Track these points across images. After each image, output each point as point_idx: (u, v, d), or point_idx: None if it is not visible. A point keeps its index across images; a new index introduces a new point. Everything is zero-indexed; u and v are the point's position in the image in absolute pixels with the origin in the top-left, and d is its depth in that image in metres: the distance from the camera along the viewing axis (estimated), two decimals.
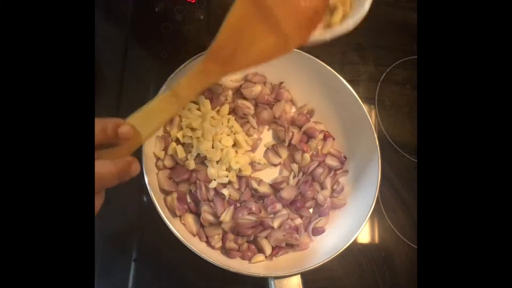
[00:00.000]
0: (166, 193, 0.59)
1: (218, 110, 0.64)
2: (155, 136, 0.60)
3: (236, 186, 0.61)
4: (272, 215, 0.61)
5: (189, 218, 0.58)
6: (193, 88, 0.41)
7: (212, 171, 0.59)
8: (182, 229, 0.58)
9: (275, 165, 0.66)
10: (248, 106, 0.66)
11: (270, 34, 0.42)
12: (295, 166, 0.65)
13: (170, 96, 0.40)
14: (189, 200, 0.58)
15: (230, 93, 0.66)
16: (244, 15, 0.41)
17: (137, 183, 0.54)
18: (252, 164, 0.63)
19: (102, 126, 0.36)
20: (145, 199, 0.62)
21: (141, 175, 0.53)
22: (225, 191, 0.59)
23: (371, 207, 0.57)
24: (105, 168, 0.36)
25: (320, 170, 0.65)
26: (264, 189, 0.62)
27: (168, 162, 0.60)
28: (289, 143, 0.66)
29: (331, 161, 0.66)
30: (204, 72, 0.41)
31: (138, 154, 0.54)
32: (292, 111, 0.70)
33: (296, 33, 0.43)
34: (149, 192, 0.53)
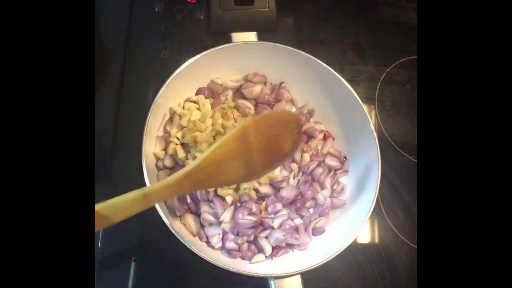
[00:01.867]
0: None
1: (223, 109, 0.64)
2: (155, 136, 0.60)
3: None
4: (272, 215, 0.61)
5: (189, 218, 0.58)
6: (163, 197, 0.47)
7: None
8: (182, 229, 0.58)
9: None
10: (248, 106, 0.66)
11: (243, 168, 0.49)
12: (294, 166, 0.65)
13: (140, 197, 0.43)
14: (189, 200, 0.58)
15: (230, 93, 0.66)
16: (231, 149, 0.47)
17: (137, 183, 0.54)
18: None
19: None
20: None
21: (141, 175, 0.53)
22: (229, 198, 0.59)
23: (371, 207, 0.57)
24: None
25: (320, 170, 0.65)
26: (265, 189, 0.62)
27: (168, 162, 0.60)
28: None
29: (331, 161, 0.66)
30: (178, 185, 0.45)
31: (138, 154, 0.54)
32: (292, 111, 0.70)
33: (263, 172, 0.53)
34: None
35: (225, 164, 0.48)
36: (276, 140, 0.52)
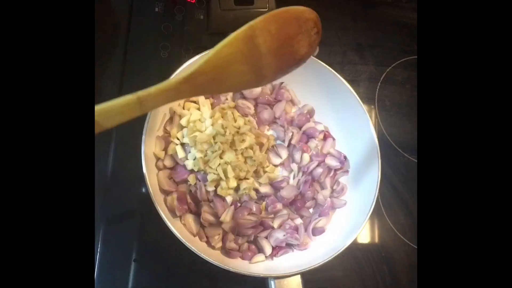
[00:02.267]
0: (166, 193, 0.59)
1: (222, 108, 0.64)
2: (155, 136, 0.60)
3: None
4: (272, 215, 0.61)
5: (189, 218, 0.58)
6: (160, 101, 0.42)
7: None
8: (182, 229, 0.57)
9: (275, 166, 0.66)
10: (248, 106, 0.66)
11: (250, 73, 0.44)
12: (294, 166, 0.65)
13: (135, 102, 0.40)
14: (189, 200, 0.58)
15: (230, 93, 0.66)
16: (233, 52, 0.42)
17: (138, 184, 0.54)
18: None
19: None
20: (145, 199, 0.61)
21: (141, 175, 0.53)
22: (229, 198, 0.59)
23: (371, 207, 0.57)
24: None
25: (320, 170, 0.65)
26: (265, 189, 0.62)
27: (168, 162, 0.60)
28: (289, 143, 0.67)
29: (331, 161, 0.66)
30: (176, 90, 0.42)
31: (138, 153, 0.54)
32: (292, 111, 0.70)
33: (274, 76, 0.46)
34: (149, 192, 0.53)
35: (230, 68, 0.43)
36: (290, 42, 0.45)
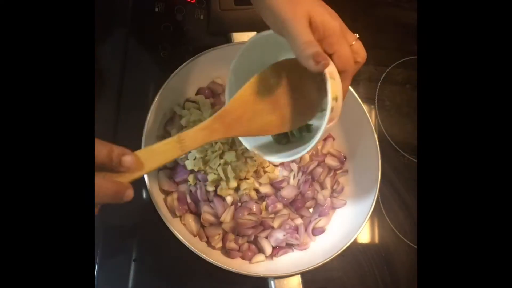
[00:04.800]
0: (166, 193, 0.59)
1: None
2: (155, 136, 0.60)
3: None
4: (272, 215, 0.61)
5: (190, 218, 0.58)
6: (198, 141, 0.45)
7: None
8: (182, 229, 0.58)
9: (275, 166, 0.66)
10: None
11: (272, 113, 0.49)
12: (294, 166, 0.65)
13: (175, 142, 0.43)
14: (189, 200, 0.58)
15: None
16: (255, 92, 0.47)
17: (138, 184, 0.54)
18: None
19: (109, 150, 0.38)
20: (145, 199, 0.62)
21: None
22: (229, 198, 0.59)
23: (371, 207, 0.57)
24: (102, 183, 0.37)
25: (319, 170, 0.65)
26: (265, 189, 0.62)
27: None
28: None
29: (331, 161, 0.66)
30: (210, 129, 0.46)
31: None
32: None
33: (292, 119, 0.50)
34: (149, 192, 0.53)
35: (253, 106, 0.48)
36: (299, 85, 0.50)
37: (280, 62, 0.49)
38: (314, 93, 0.50)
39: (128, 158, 0.39)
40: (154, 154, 0.42)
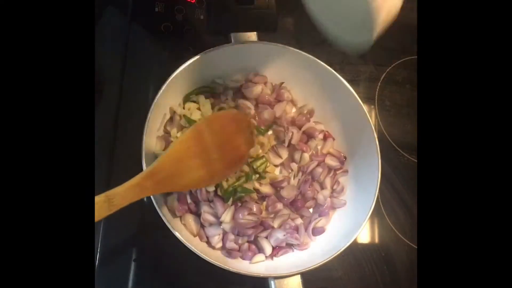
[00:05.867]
0: (166, 193, 0.59)
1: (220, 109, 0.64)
2: (156, 136, 0.60)
3: None
4: (272, 215, 0.61)
5: (190, 219, 0.58)
6: (127, 199, 0.46)
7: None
8: (182, 229, 0.57)
9: (276, 166, 0.66)
10: (248, 106, 0.66)
11: (202, 168, 0.52)
12: (294, 166, 0.65)
13: (103, 201, 0.43)
14: (189, 200, 0.58)
15: (230, 92, 0.66)
16: (187, 148, 0.49)
17: None
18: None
19: None
20: (145, 199, 0.62)
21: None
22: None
23: (371, 207, 0.57)
24: None
25: (319, 170, 0.65)
26: (265, 189, 0.62)
27: None
28: (289, 143, 0.66)
29: (331, 161, 0.66)
30: (140, 186, 0.46)
31: (138, 153, 0.54)
32: (292, 111, 0.70)
33: (224, 173, 0.54)
34: None
35: (184, 163, 0.50)
36: (231, 139, 0.54)
37: (217, 114, 0.52)
38: (243, 146, 0.54)
39: None
40: None
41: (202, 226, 0.59)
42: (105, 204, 0.43)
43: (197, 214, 0.59)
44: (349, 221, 0.61)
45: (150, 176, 0.47)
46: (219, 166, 0.53)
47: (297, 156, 0.65)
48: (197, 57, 0.61)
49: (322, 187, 0.65)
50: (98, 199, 0.43)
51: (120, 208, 0.45)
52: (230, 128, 0.54)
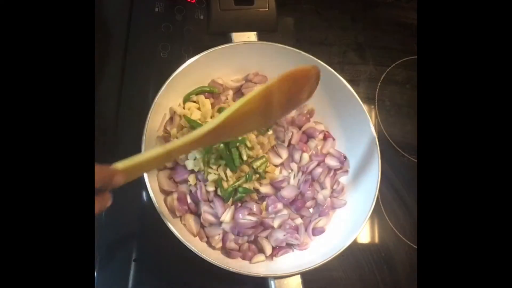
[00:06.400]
0: (166, 193, 0.59)
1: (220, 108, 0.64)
2: (156, 136, 0.60)
3: None
4: (272, 215, 0.61)
5: (190, 219, 0.58)
6: (184, 152, 0.48)
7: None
8: (182, 229, 0.58)
9: (276, 166, 0.66)
10: None
11: (260, 121, 0.53)
12: (294, 166, 0.65)
13: (162, 153, 0.44)
14: (189, 200, 0.58)
15: (230, 92, 0.66)
16: (251, 109, 0.48)
17: (138, 183, 0.54)
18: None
19: (104, 175, 0.39)
20: (145, 199, 0.62)
21: (141, 175, 0.53)
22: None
23: (371, 207, 0.57)
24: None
25: (319, 170, 0.65)
26: (265, 189, 0.62)
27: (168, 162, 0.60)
28: (289, 143, 0.66)
29: (331, 161, 0.66)
30: (199, 142, 0.47)
31: (138, 153, 0.54)
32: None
33: (277, 118, 0.57)
34: (149, 192, 0.53)
35: (247, 120, 0.49)
36: (297, 95, 0.53)
37: (291, 73, 0.49)
38: (306, 95, 0.55)
39: (118, 179, 0.41)
40: (140, 165, 0.43)
41: (202, 226, 0.59)
42: (164, 155, 0.45)
43: (197, 214, 0.59)
44: (349, 221, 0.61)
45: (212, 133, 0.46)
46: (277, 115, 0.55)
47: (297, 156, 0.66)
48: (197, 57, 0.61)
49: (322, 187, 0.65)
50: (158, 151, 0.44)
51: (175, 160, 0.49)
52: (300, 84, 0.52)
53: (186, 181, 0.60)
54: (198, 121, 0.60)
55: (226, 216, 0.57)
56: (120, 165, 0.41)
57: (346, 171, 0.66)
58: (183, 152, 0.47)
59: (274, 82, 0.48)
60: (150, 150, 0.44)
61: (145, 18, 0.72)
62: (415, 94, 0.78)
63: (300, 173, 0.65)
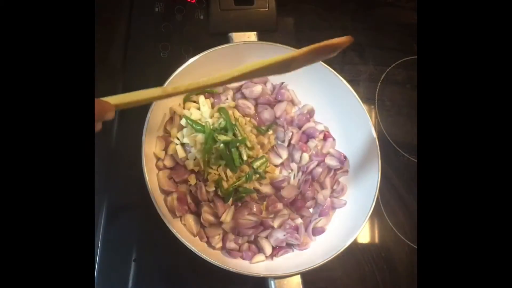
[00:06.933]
0: (166, 193, 0.59)
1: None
2: (156, 136, 0.60)
3: None
4: (272, 215, 0.61)
5: (190, 219, 0.58)
6: (181, 93, 0.47)
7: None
8: (182, 229, 0.58)
9: (276, 166, 0.66)
10: (248, 106, 0.66)
11: (274, 72, 0.53)
12: (294, 166, 0.65)
13: (159, 95, 0.46)
14: (189, 200, 0.58)
15: (231, 92, 0.66)
16: (267, 67, 0.47)
17: (138, 183, 0.54)
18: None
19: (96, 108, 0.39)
20: (145, 199, 0.62)
21: (141, 175, 0.53)
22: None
23: (371, 207, 0.57)
24: None
25: (319, 169, 0.65)
26: (265, 189, 0.62)
27: (168, 162, 0.60)
28: (289, 143, 0.67)
29: (331, 161, 0.66)
30: (203, 87, 0.47)
31: (139, 154, 0.54)
32: (292, 111, 0.70)
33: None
34: (149, 192, 0.53)
35: (254, 74, 0.49)
36: (322, 58, 0.54)
37: (315, 48, 0.48)
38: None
39: (110, 115, 0.41)
40: (132, 96, 0.45)
41: (202, 226, 0.59)
42: (161, 93, 0.45)
43: (197, 214, 0.59)
44: (349, 221, 0.61)
45: (220, 83, 0.47)
46: (296, 67, 0.51)
47: (297, 156, 0.66)
48: (197, 57, 0.61)
49: (322, 187, 0.65)
50: (157, 90, 0.45)
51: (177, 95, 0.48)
52: (325, 53, 0.52)
53: (186, 181, 0.60)
54: (198, 121, 0.60)
55: (226, 216, 0.57)
56: (113, 99, 0.42)
57: (346, 171, 0.66)
58: (181, 93, 0.47)
59: (301, 52, 0.47)
60: (147, 90, 0.45)
61: (145, 18, 0.72)
62: (415, 94, 0.78)
63: (300, 173, 0.65)
